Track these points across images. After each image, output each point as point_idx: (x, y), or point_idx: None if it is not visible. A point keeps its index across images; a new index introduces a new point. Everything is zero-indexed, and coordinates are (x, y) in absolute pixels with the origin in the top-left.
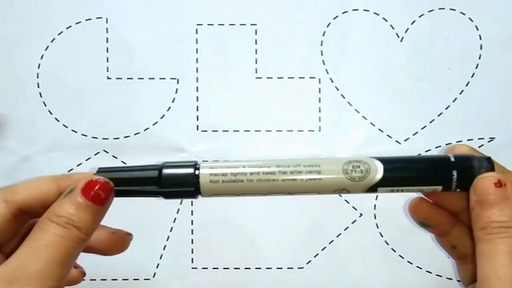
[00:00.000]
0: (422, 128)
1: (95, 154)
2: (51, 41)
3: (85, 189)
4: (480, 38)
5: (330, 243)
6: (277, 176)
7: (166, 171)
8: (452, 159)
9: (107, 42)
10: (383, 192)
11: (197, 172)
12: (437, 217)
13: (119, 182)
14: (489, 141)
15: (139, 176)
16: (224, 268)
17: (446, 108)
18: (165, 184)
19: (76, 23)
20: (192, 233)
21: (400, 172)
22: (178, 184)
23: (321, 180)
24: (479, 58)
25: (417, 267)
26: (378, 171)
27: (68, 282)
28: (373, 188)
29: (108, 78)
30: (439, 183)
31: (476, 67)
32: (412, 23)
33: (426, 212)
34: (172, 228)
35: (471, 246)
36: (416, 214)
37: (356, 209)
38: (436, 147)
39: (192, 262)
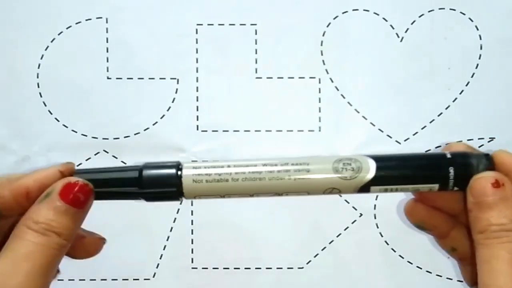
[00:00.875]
0: (422, 128)
1: (95, 154)
2: (51, 41)
3: (63, 192)
4: (480, 38)
5: (330, 243)
6: (263, 175)
7: (146, 171)
8: (449, 155)
9: (107, 42)
10: (377, 192)
11: (179, 172)
12: (434, 219)
13: (98, 184)
14: (489, 141)
15: (119, 177)
16: (224, 268)
17: (446, 108)
18: (146, 185)
19: (76, 23)
20: (192, 233)
21: (393, 170)
22: (160, 185)
23: (310, 179)
24: (479, 58)
25: (417, 267)
26: (370, 169)
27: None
28: (365, 188)
29: (108, 78)
30: (435, 181)
31: (476, 67)
32: (412, 23)
33: (423, 214)
34: (172, 228)
35: (471, 248)
36: (413, 217)
37: (356, 209)
38: (436, 147)
39: (192, 262)
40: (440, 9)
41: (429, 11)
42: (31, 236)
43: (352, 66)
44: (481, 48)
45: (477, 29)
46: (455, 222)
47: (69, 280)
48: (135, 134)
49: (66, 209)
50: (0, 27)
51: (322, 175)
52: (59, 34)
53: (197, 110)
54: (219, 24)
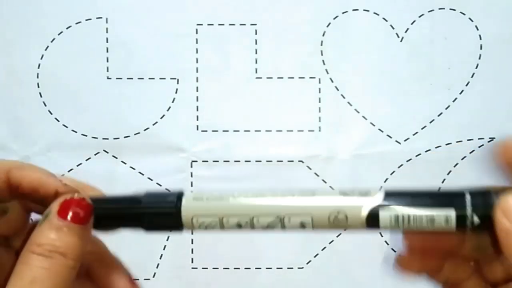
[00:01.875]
0: (422, 128)
1: (95, 154)
2: (51, 41)
3: (61, 210)
4: (480, 38)
5: (330, 243)
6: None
7: (147, 210)
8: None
9: (107, 42)
10: (387, 224)
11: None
12: (430, 264)
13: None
14: (489, 141)
15: (120, 207)
16: (224, 268)
17: (446, 108)
18: (146, 221)
19: (76, 23)
20: (192, 233)
21: (404, 196)
22: (159, 216)
23: (314, 199)
24: (479, 58)
25: None
26: (379, 193)
27: None
28: (374, 216)
29: (108, 78)
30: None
31: (476, 67)
32: (412, 23)
33: (419, 266)
34: None
35: (462, 276)
36: (409, 272)
37: None
38: (436, 147)
39: (192, 262)
40: (440, 9)
41: (429, 11)
42: (36, 261)
43: (352, 66)
44: (481, 48)
45: (477, 29)
46: (446, 255)
47: None
48: (135, 134)
49: (67, 227)
50: (0, 27)
51: (327, 195)
52: (59, 34)
53: (197, 110)
54: (219, 24)
